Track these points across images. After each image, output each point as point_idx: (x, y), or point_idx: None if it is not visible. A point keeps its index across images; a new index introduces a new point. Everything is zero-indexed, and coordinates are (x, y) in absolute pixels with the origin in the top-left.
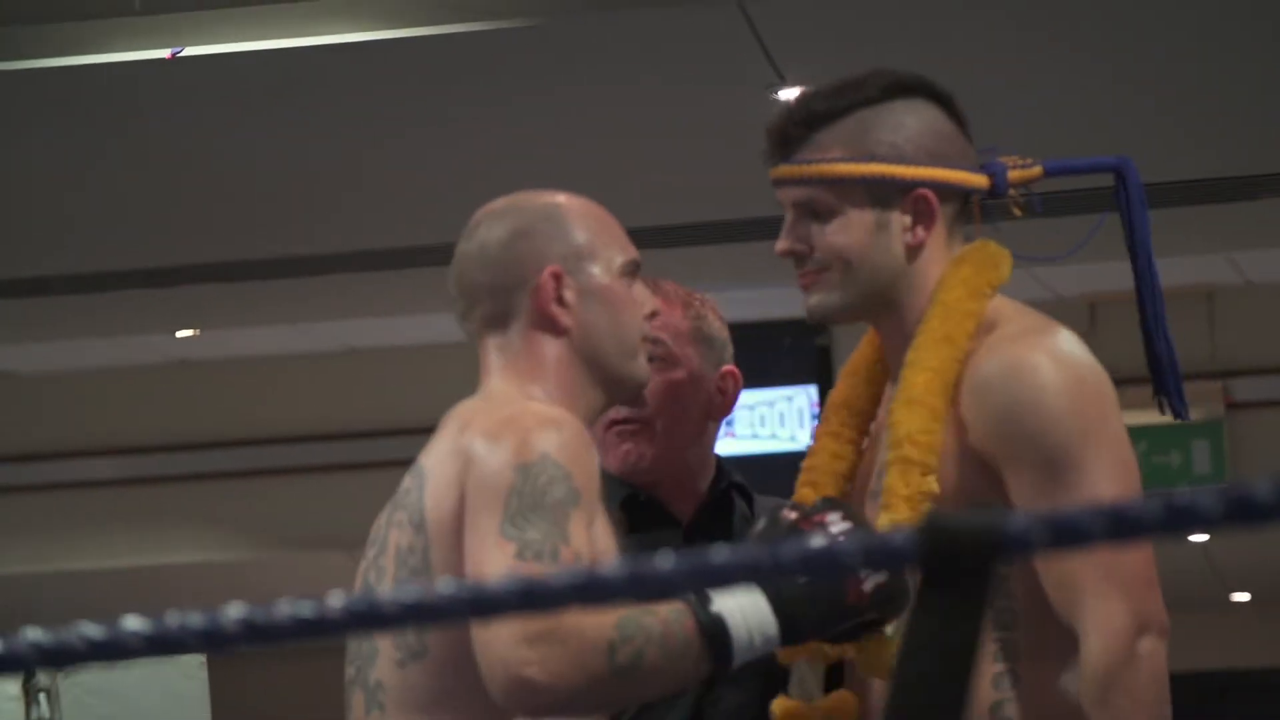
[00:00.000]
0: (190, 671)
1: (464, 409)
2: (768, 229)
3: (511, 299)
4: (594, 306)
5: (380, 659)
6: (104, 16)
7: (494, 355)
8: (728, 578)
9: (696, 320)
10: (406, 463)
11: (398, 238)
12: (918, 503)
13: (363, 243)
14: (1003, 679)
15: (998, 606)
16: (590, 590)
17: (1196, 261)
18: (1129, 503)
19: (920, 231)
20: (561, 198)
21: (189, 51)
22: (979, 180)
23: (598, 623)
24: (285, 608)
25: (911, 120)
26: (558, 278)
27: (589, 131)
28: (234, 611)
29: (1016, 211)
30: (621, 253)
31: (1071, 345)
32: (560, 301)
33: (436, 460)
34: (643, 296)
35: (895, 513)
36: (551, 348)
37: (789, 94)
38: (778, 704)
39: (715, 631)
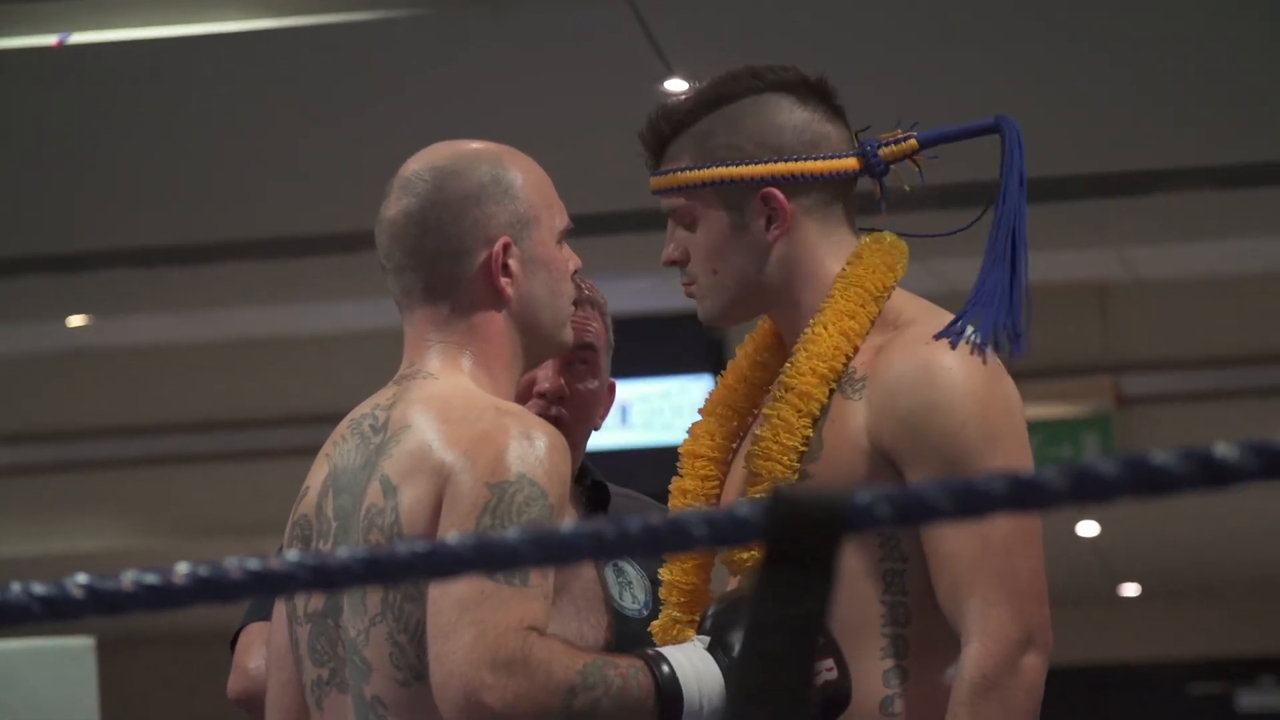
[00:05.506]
0: (79, 656)
1: (414, 407)
2: (658, 220)
3: (457, 267)
4: (536, 275)
5: (376, 676)
6: None
7: (430, 329)
8: (574, 553)
9: (610, 332)
10: (303, 451)
11: (293, 226)
12: None
13: (258, 231)
14: (892, 675)
15: (892, 602)
16: (437, 561)
17: (1089, 257)
18: (974, 480)
19: (775, 229)
20: (505, 155)
21: (76, 38)
22: (841, 165)
23: (565, 664)
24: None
25: (752, 118)
26: (507, 248)
27: (477, 124)
28: (80, 579)
29: (905, 188)
30: (560, 216)
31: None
32: (506, 271)
33: (404, 474)
34: (569, 255)
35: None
36: (492, 320)
37: (676, 86)
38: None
39: (670, 693)
